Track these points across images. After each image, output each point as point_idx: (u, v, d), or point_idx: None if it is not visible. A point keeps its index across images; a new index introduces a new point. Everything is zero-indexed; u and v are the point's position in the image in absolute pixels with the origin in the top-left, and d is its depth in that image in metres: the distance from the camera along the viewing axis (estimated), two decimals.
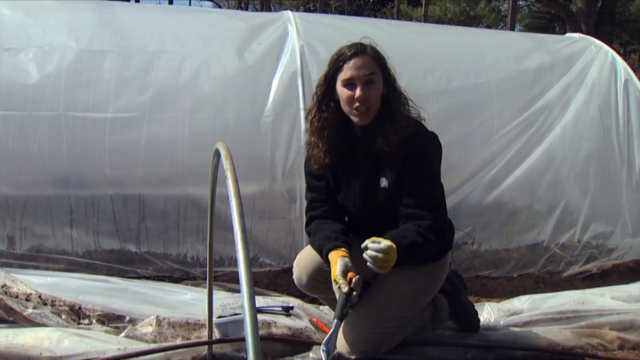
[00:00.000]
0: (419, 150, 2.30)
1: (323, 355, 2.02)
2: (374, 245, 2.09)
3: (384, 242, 2.09)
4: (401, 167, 2.30)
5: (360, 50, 2.28)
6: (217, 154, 1.56)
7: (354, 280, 2.11)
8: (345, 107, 2.31)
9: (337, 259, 2.17)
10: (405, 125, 2.30)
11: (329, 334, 2.07)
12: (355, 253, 2.28)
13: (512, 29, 10.19)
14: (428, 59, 3.89)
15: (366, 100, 2.26)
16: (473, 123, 3.77)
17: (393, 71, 2.36)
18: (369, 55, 2.29)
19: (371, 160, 2.36)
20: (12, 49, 3.27)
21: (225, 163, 1.43)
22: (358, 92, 2.24)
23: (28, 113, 3.20)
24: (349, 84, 2.27)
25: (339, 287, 2.11)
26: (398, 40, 3.94)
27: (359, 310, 2.20)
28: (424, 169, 2.31)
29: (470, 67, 3.91)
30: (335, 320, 2.08)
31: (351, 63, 2.26)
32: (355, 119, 2.31)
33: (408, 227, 2.23)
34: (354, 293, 2.10)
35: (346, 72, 2.27)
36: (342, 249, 2.24)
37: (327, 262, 2.25)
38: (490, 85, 3.87)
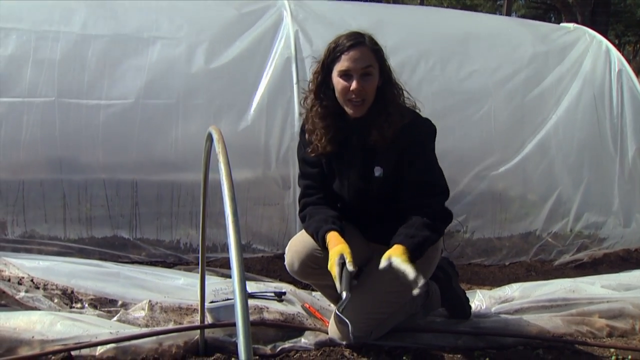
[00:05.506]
0: (415, 142, 2.31)
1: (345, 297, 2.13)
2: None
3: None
4: (398, 158, 2.31)
5: (358, 41, 2.25)
6: (210, 138, 1.55)
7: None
8: (339, 98, 2.30)
9: (341, 241, 2.22)
10: (400, 117, 2.30)
11: (342, 300, 2.14)
12: (348, 240, 2.28)
13: None
14: (422, 45, 3.88)
15: (362, 93, 2.25)
16: (467, 111, 3.76)
17: (389, 62, 2.35)
18: (366, 47, 2.26)
19: (365, 150, 2.36)
20: (4, 33, 3.23)
21: (218, 146, 1.42)
22: (354, 85, 2.23)
23: (21, 99, 3.18)
24: (345, 75, 2.25)
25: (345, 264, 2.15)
26: (393, 25, 3.92)
27: (352, 296, 2.21)
28: (423, 160, 2.32)
29: (465, 54, 3.90)
30: (345, 292, 2.12)
31: (349, 54, 2.23)
32: (349, 111, 2.30)
33: (416, 222, 2.23)
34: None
35: (343, 63, 2.24)
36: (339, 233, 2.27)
37: (322, 244, 2.27)
38: (484, 73, 3.86)
